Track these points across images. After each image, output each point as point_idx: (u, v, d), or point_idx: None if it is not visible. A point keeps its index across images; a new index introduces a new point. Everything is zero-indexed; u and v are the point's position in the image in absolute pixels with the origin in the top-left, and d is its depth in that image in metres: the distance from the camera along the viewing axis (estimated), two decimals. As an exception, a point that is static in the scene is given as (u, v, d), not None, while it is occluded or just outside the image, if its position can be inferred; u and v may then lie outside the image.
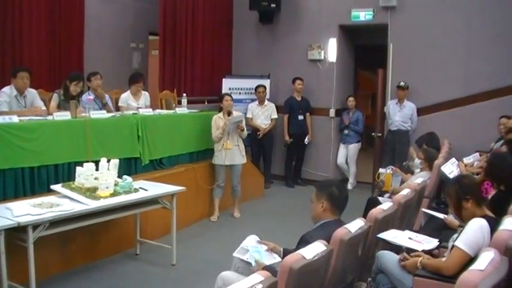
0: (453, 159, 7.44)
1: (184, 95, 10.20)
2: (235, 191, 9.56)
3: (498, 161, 5.56)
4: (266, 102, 11.83)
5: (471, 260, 3.69)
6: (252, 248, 4.76)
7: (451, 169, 6.99)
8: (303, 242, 4.11)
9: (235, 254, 4.78)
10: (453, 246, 4.07)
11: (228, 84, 12.16)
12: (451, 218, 5.31)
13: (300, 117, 12.02)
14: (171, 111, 9.49)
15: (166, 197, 6.82)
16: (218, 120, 9.19)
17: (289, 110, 12.05)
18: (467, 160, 8.84)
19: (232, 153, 9.28)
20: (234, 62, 13.30)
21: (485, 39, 10.56)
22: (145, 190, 6.56)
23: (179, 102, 10.27)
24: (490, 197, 4.71)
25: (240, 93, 12.18)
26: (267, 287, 3.07)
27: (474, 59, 10.65)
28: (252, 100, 12.01)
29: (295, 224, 6.25)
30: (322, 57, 12.23)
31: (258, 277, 3.17)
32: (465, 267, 3.31)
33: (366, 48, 13.25)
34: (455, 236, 4.27)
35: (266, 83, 12.05)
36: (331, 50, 12.19)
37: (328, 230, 4.26)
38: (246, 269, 4.64)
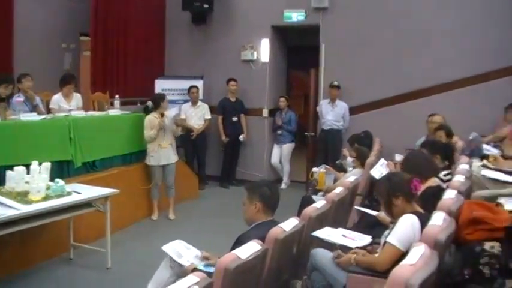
0: (382, 160, 7.57)
1: (117, 96, 10.10)
2: (170, 190, 9.52)
3: (411, 156, 5.72)
4: (199, 103, 11.81)
5: (403, 255, 3.77)
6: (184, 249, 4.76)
7: (380, 171, 7.11)
8: (239, 242, 4.13)
9: (165, 249, 4.76)
10: (385, 242, 4.16)
11: (161, 85, 12.09)
12: (382, 215, 5.41)
13: (234, 118, 12.04)
14: (104, 112, 9.38)
15: (99, 200, 6.74)
16: (154, 120, 9.12)
17: (223, 112, 12.05)
18: (398, 157, 9.01)
19: (167, 152, 9.28)
20: (167, 63, 13.23)
21: (415, 40, 10.81)
22: (78, 193, 6.47)
23: (112, 104, 10.16)
24: (419, 193, 4.82)
25: (173, 94, 12.12)
26: (202, 287, 3.08)
27: (404, 59, 10.89)
28: (185, 101, 11.97)
29: (231, 225, 6.25)
30: (255, 58, 12.28)
31: (193, 278, 3.18)
32: (397, 262, 3.38)
33: (298, 48, 13.37)
34: (387, 232, 4.36)
35: (199, 83, 12.03)
36: (263, 51, 12.25)
37: (263, 230, 4.29)
38: (180, 269, 4.64)
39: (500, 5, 10.32)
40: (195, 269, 4.27)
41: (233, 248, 3.96)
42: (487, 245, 4.17)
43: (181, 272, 4.53)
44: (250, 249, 3.77)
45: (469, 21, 10.48)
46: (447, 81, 10.65)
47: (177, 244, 4.88)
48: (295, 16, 11.81)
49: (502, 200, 5.12)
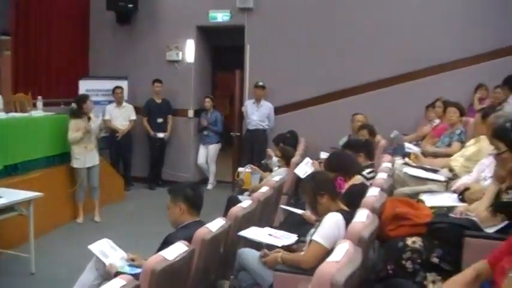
0: (307, 159, 7.66)
1: (40, 97, 9.87)
2: (95, 192, 9.38)
3: (333, 155, 5.83)
4: (124, 103, 11.68)
5: (328, 252, 3.82)
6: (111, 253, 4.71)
7: (304, 170, 7.20)
8: (166, 243, 4.11)
9: (92, 249, 4.70)
10: (311, 240, 4.22)
11: (85, 86, 11.89)
12: (308, 214, 5.48)
13: (160, 120, 11.94)
14: (26, 114, 9.17)
15: (22, 204, 6.59)
16: (79, 121, 8.96)
17: (148, 113, 11.95)
18: (324, 155, 9.13)
19: (93, 154, 9.17)
20: (92, 63, 13.02)
21: (338, 41, 10.98)
22: (0, 197, 6.31)
23: (34, 105, 9.93)
24: (343, 191, 4.91)
25: (97, 94, 11.94)
26: (129, 289, 3.06)
27: (328, 59, 11.03)
28: (110, 102, 11.82)
29: (157, 226, 6.19)
30: (180, 58, 12.23)
31: (120, 281, 3.15)
32: (323, 260, 3.43)
33: (224, 49, 13.39)
34: (312, 230, 4.42)
35: (124, 84, 11.90)
36: (188, 51, 12.22)
37: (190, 230, 4.29)
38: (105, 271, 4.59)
39: (417, 4, 10.61)
40: (119, 272, 4.23)
41: (160, 250, 3.95)
42: (409, 241, 4.27)
43: (106, 274, 4.49)
44: (176, 250, 3.77)
45: (390, 21, 10.71)
46: (370, 81, 10.85)
47: (104, 243, 4.82)
48: (221, 16, 11.82)
49: (423, 197, 5.27)
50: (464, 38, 10.29)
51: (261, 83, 11.27)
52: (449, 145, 7.62)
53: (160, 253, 3.65)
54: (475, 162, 5.83)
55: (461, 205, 4.62)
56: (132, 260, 4.64)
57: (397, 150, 8.03)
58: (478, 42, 10.25)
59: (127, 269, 4.37)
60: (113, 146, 11.59)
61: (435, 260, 4.17)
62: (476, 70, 10.24)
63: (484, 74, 10.05)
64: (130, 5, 12.25)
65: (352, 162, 5.74)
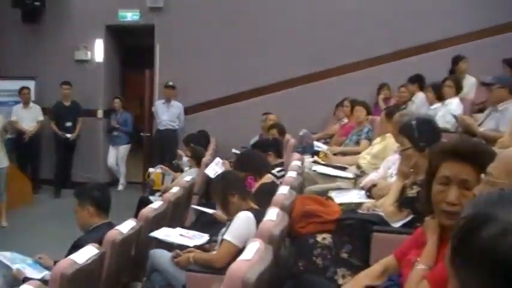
0: (217, 159, 7.67)
1: None
2: (1, 196, 9.09)
3: (244, 155, 5.88)
4: (31, 104, 11.39)
5: (240, 251, 3.85)
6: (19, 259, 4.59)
7: (215, 170, 7.22)
8: (75, 247, 4.05)
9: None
10: (222, 239, 4.24)
11: (-10, 87, 11.53)
12: (219, 213, 5.50)
13: (68, 123, 11.64)
14: None
15: None
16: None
17: (56, 117, 11.66)
18: (235, 151, 9.16)
19: (1, 157, 8.86)
20: (-4, 63, 12.61)
21: (249, 40, 11.04)
22: None
23: None
24: (254, 190, 4.95)
25: (3, 95, 11.59)
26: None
27: (239, 59, 11.07)
28: (16, 102, 11.48)
29: (66, 229, 6.07)
30: (89, 58, 12.00)
31: (28, 287, 3.08)
32: (234, 259, 3.46)
33: (134, 48, 13.23)
34: (223, 229, 4.44)
35: (31, 84, 11.59)
36: (98, 51, 12.01)
37: (100, 233, 4.24)
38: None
39: (324, 6, 10.82)
40: (27, 278, 4.13)
41: (69, 253, 3.88)
42: (319, 237, 4.34)
43: (14, 280, 4.37)
44: (87, 253, 3.71)
45: (300, 22, 10.86)
46: (280, 80, 10.98)
47: (10, 254, 4.69)
48: (130, 16, 11.68)
49: (332, 194, 5.37)
50: (368, 38, 10.55)
51: (171, 83, 11.21)
52: (357, 143, 7.81)
53: (70, 257, 3.59)
54: (382, 160, 6.00)
55: (369, 201, 4.74)
56: (40, 258, 4.54)
57: (306, 148, 8.14)
58: (382, 43, 10.53)
59: (29, 269, 4.28)
60: (20, 148, 11.25)
61: (344, 255, 4.26)
62: (380, 70, 10.52)
63: (388, 73, 10.34)
64: (37, 3, 11.88)
65: (262, 161, 5.80)
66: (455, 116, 6.79)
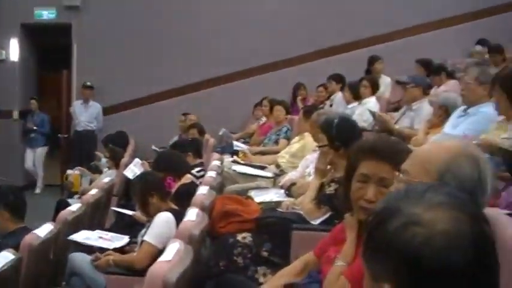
0: (136, 160, 7.61)
1: None
2: None
3: (163, 155, 5.85)
4: None
5: (160, 252, 3.84)
6: None
7: (133, 171, 7.16)
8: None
9: None
10: (142, 241, 4.22)
11: None
12: (139, 214, 5.46)
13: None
14: None
15: None
16: None
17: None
18: (155, 148, 9.12)
19: None
20: None
21: (173, 38, 10.96)
22: None
23: None
24: (173, 190, 4.95)
25: None
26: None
27: (158, 59, 10.99)
28: None
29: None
30: (4, 57, 11.68)
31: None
32: (155, 260, 3.44)
33: (51, 48, 12.93)
34: (143, 231, 4.42)
35: None
36: (13, 50, 11.69)
37: (16, 238, 4.15)
38: None
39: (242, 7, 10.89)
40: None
41: (-17, 260, 3.78)
42: (240, 236, 4.37)
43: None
44: (2, 259, 3.62)
45: (217, 21, 10.88)
46: (199, 80, 10.98)
47: None
48: (46, 14, 11.42)
49: (252, 193, 5.41)
50: (286, 39, 10.68)
51: (89, 83, 11.04)
52: (276, 142, 7.89)
53: (-17, 264, 3.50)
54: (301, 158, 6.08)
55: (288, 200, 4.80)
56: None
57: (226, 148, 8.18)
58: (300, 43, 10.69)
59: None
60: None
61: (265, 254, 4.30)
62: (299, 70, 10.68)
63: (306, 73, 10.50)
64: None
65: (181, 161, 5.79)
66: (373, 113, 6.94)
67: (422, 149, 2.04)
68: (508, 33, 10.44)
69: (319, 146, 4.29)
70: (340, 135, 4.07)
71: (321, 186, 4.15)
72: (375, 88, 7.98)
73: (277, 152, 7.24)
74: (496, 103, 4.30)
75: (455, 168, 1.83)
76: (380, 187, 2.35)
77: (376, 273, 1.18)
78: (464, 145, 2.03)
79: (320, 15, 10.73)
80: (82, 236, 4.87)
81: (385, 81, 9.24)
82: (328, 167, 4.16)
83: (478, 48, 9.25)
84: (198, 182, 5.66)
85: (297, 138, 6.92)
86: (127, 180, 7.17)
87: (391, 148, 2.41)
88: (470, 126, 4.68)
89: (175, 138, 9.09)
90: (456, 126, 4.91)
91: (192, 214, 4.09)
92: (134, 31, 11.10)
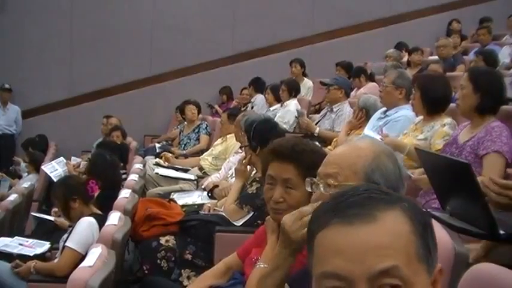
0: (60, 159, 7.51)
1: None
2: None
3: (99, 160, 5.78)
4: None
5: (83, 257, 3.80)
6: None
7: (54, 167, 7.04)
8: None
9: None
10: (64, 246, 4.15)
11: None
12: (60, 219, 5.38)
13: None
14: None
15: None
16: None
17: None
18: (74, 160, 8.98)
19: None
20: None
21: (89, 39, 10.80)
22: None
23: None
24: (96, 195, 4.89)
25: None
26: None
27: (79, 60, 10.81)
28: None
29: None
30: None
31: None
32: (77, 266, 3.41)
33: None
34: (65, 236, 4.35)
35: None
36: None
37: None
38: None
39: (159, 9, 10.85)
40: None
41: None
42: (163, 240, 4.38)
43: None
44: None
45: (139, 23, 10.80)
46: (121, 83, 10.85)
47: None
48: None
49: (174, 196, 5.42)
50: (209, 41, 10.71)
51: (7, 86, 10.74)
52: (197, 140, 7.94)
53: None
54: (223, 160, 6.14)
55: (211, 202, 4.83)
56: None
57: (148, 151, 8.15)
58: (223, 46, 10.74)
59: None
60: None
61: (188, 256, 4.32)
62: (223, 72, 10.73)
63: (230, 75, 10.56)
64: None
65: (115, 167, 5.74)
66: (300, 113, 7.06)
67: (343, 152, 2.04)
68: (425, 37, 10.82)
69: (241, 147, 4.35)
70: (257, 136, 4.15)
71: (243, 187, 4.20)
72: (293, 91, 8.07)
73: (200, 151, 7.31)
74: (413, 104, 4.47)
75: (382, 167, 1.88)
76: (285, 188, 2.39)
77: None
78: (380, 143, 2.08)
79: (243, 17, 10.81)
80: (1, 243, 4.77)
81: (306, 84, 9.39)
82: (249, 167, 4.22)
83: (392, 51, 9.49)
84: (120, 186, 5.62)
85: (219, 140, 6.96)
86: (48, 184, 7.06)
87: (292, 148, 2.43)
88: (389, 129, 4.83)
89: (100, 141, 8.97)
90: (376, 128, 5.05)
91: (114, 218, 4.07)
92: (54, 32, 10.86)
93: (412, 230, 1.19)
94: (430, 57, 9.61)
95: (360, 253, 1.15)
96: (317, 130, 6.48)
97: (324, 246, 1.20)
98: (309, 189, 1.97)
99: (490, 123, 3.62)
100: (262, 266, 2.32)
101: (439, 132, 4.15)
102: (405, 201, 1.24)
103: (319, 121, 6.85)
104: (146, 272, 4.31)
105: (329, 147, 5.25)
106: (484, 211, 2.46)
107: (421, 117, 4.45)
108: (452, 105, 4.37)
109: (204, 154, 7.00)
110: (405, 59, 9.45)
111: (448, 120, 4.23)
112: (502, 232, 2.41)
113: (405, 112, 4.91)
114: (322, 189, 1.89)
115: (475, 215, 2.53)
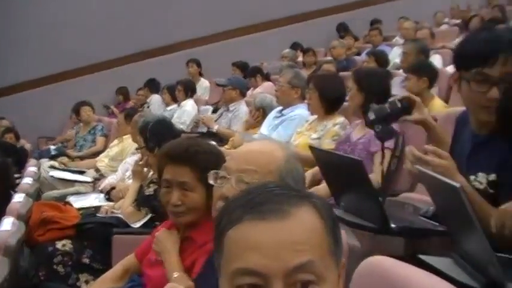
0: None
1: None
2: None
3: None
4: None
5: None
6: None
7: None
8: None
9: None
10: None
11: None
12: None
13: None
14: None
15: None
16: None
17: None
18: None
19: None
20: None
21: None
22: None
23: None
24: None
25: None
26: None
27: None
28: None
29: None
30: None
31: None
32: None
33: None
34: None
35: None
36: None
37: None
38: None
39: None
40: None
41: None
42: (59, 244, 4.28)
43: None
44: None
45: (46, 23, 10.51)
46: (13, 83, 10.54)
47: None
48: None
49: (71, 199, 5.33)
50: (105, 40, 10.58)
51: None
52: (93, 141, 7.84)
53: None
54: (120, 162, 6.08)
55: (108, 204, 4.78)
56: None
57: (42, 153, 7.98)
58: (120, 45, 10.63)
59: None
60: None
61: (86, 260, 4.25)
62: (116, 73, 10.61)
63: (127, 76, 10.45)
64: None
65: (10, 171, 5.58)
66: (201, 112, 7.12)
67: (258, 151, 2.01)
68: (319, 38, 11.08)
69: (138, 148, 4.34)
70: (153, 137, 4.15)
71: (141, 188, 4.18)
72: (189, 91, 8.11)
73: (96, 152, 7.21)
74: (310, 103, 4.57)
75: (293, 170, 1.90)
76: (182, 191, 2.40)
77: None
78: (286, 146, 2.12)
79: (138, 17, 10.71)
80: None
81: (203, 84, 9.44)
82: (146, 169, 4.20)
83: (288, 51, 9.68)
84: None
85: (116, 141, 6.90)
86: None
87: (186, 151, 2.43)
88: (284, 128, 4.93)
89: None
90: (272, 127, 5.14)
91: (7, 223, 3.95)
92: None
93: (323, 225, 1.21)
94: (325, 58, 9.84)
95: (276, 249, 1.15)
96: (216, 127, 6.55)
97: (237, 242, 1.18)
98: (211, 182, 1.96)
99: (381, 121, 3.78)
100: (177, 275, 2.30)
101: (330, 132, 4.31)
102: (315, 198, 1.26)
103: (216, 120, 6.90)
104: (42, 278, 4.21)
105: (226, 146, 5.29)
106: (376, 206, 2.56)
107: (315, 116, 4.57)
108: (345, 104, 4.50)
109: (101, 155, 6.92)
110: (300, 59, 9.65)
111: (340, 119, 4.38)
112: (393, 226, 2.51)
113: (300, 111, 5.02)
114: (234, 183, 1.89)
115: (367, 210, 2.63)
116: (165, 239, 2.46)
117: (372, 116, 2.59)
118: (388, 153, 3.08)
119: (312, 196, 1.26)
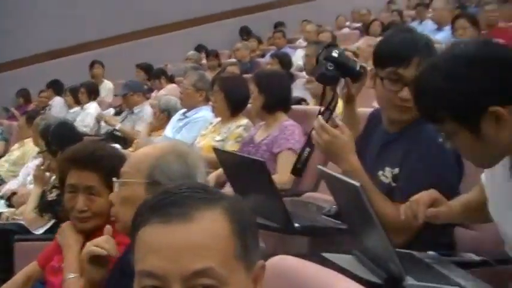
0: None
1: None
2: None
3: None
4: None
5: None
6: None
7: None
8: None
9: None
10: None
11: None
12: None
13: None
14: None
15: None
16: None
17: None
18: None
19: None
20: None
21: None
22: None
23: None
24: None
25: None
26: None
27: None
28: None
29: None
30: None
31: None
32: None
33: None
34: None
35: None
36: None
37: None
38: None
39: None
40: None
41: None
42: None
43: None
44: None
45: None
46: None
47: None
48: None
49: None
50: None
51: None
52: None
53: None
54: (21, 166, 5.93)
55: (9, 210, 4.66)
56: None
57: None
58: (17, 47, 10.38)
59: None
60: None
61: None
62: (16, 74, 10.35)
63: (29, 78, 10.22)
64: None
65: None
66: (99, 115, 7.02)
67: (137, 151, 2.09)
68: (224, 40, 11.16)
69: (39, 152, 4.25)
70: (56, 141, 4.07)
71: (43, 194, 4.09)
72: (92, 94, 8.01)
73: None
74: (214, 105, 4.60)
75: (164, 165, 1.89)
76: (89, 195, 2.36)
77: None
78: (173, 144, 2.13)
79: (42, 17, 10.47)
80: None
81: (106, 86, 9.33)
82: (48, 173, 4.11)
83: (192, 53, 9.70)
84: None
85: (17, 145, 6.74)
86: None
87: (92, 155, 2.40)
88: (188, 130, 4.94)
89: None
90: (176, 129, 5.14)
91: None
92: None
93: (230, 229, 1.21)
94: (229, 60, 9.91)
95: (175, 252, 1.15)
96: (119, 125, 6.51)
97: (143, 243, 1.19)
98: (116, 190, 1.97)
99: (283, 122, 3.89)
100: (72, 277, 2.26)
101: (233, 134, 4.36)
102: (227, 201, 1.25)
103: (120, 123, 6.83)
104: None
105: (130, 149, 5.26)
106: (279, 206, 2.60)
107: (219, 118, 4.60)
108: (249, 106, 4.54)
109: (1, 160, 6.72)
110: (205, 61, 9.67)
111: (244, 121, 4.43)
112: (296, 225, 2.56)
113: (204, 113, 5.05)
114: (116, 187, 1.91)
115: (271, 210, 2.67)
116: (70, 232, 2.42)
117: (335, 53, 2.56)
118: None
119: (224, 199, 1.26)
